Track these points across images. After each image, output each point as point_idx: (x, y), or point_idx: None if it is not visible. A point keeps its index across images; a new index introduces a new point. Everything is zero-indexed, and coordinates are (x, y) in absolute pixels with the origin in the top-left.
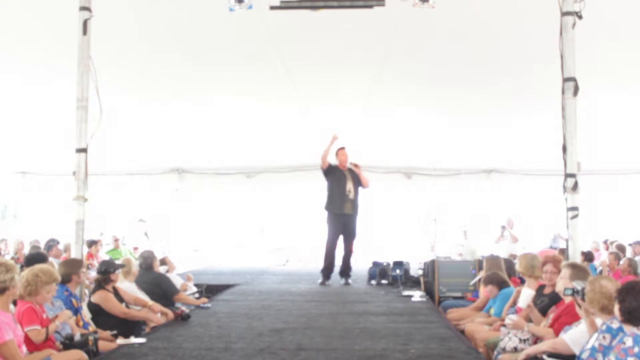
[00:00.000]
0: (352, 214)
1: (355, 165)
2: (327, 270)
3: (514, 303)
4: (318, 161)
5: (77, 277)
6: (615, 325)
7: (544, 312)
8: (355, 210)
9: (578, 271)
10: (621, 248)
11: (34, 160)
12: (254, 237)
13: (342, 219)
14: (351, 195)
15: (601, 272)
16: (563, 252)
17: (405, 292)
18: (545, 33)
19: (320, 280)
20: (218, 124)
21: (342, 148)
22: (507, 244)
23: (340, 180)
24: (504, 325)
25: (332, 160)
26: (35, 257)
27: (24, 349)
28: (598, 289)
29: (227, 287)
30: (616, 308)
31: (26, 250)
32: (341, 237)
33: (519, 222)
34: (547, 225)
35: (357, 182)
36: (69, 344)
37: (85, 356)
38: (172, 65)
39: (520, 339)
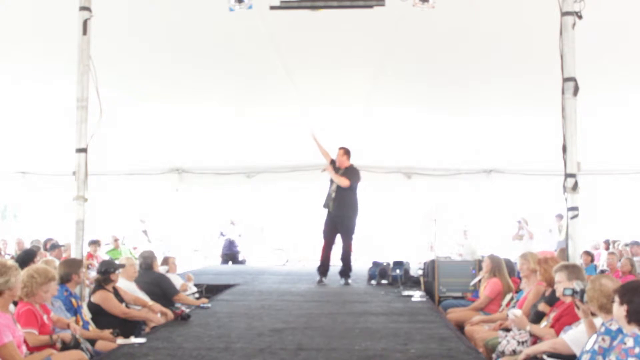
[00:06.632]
0: (340, 213)
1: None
2: (321, 268)
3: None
4: (318, 161)
5: (77, 277)
6: (614, 327)
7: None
8: (343, 210)
9: (572, 270)
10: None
11: (34, 160)
12: (254, 237)
13: (331, 218)
14: (334, 195)
15: (602, 271)
16: (563, 252)
17: (405, 292)
18: (545, 33)
19: (317, 279)
20: (218, 124)
21: (340, 148)
22: (525, 240)
23: (332, 180)
24: (503, 329)
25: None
26: (24, 258)
27: (24, 349)
28: (598, 287)
29: (227, 287)
30: (621, 308)
31: None
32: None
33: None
34: (547, 225)
35: (351, 181)
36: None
37: (86, 356)
38: (172, 65)
39: (518, 342)
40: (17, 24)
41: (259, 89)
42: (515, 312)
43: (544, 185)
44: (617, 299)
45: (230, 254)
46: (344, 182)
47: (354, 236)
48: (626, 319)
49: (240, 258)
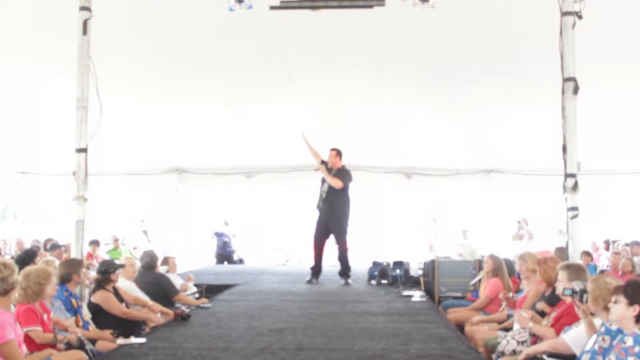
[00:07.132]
0: (331, 213)
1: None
2: (314, 269)
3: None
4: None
5: (77, 277)
6: (614, 326)
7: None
8: (334, 210)
9: (575, 271)
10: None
11: (34, 160)
12: (254, 237)
13: (322, 218)
14: (325, 195)
15: (602, 272)
16: (562, 251)
17: (405, 292)
18: (545, 33)
19: (307, 279)
20: (218, 124)
21: (332, 149)
22: (525, 240)
23: (323, 180)
24: (502, 329)
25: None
26: (24, 258)
27: (24, 348)
28: (603, 285)
29: (227, 287)
30: (630, 309)
31: None
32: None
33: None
34: (548, 225)
35: (344, 182)
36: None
37: (85, 356)
38: (172, 65)
39: (518, 342)
40: (17, 24)
41: (259, 89)
42: (522, 312)
43: (544, 185)
44: (622, 299)
45: (225, 255)
46: (337, 184)
47: (347, 236)
48: (634, 319)
49: (235, 258)
